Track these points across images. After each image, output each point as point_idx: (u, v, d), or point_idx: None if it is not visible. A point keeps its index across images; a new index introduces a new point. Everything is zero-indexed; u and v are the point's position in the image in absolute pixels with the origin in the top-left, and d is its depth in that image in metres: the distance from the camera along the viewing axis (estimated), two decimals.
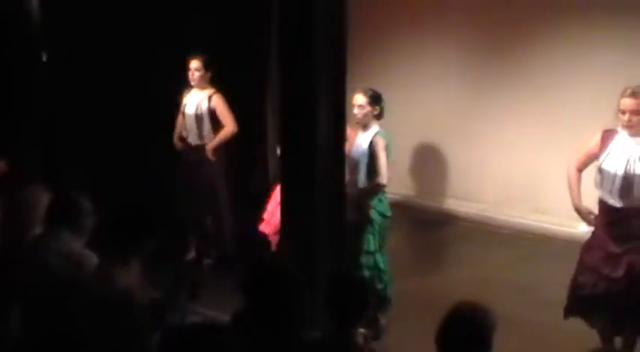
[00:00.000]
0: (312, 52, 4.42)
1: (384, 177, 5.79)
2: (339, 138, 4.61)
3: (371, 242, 5.80)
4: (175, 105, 7.02)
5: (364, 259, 5.78)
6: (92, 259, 4.30)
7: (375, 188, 5.83)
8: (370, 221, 5.81)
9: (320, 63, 4.41)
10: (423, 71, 8.76)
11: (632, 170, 4.95)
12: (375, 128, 5.86)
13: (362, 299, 3.73)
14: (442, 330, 3.32)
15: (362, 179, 5.85)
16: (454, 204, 8.64)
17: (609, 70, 7.27)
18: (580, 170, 5.30)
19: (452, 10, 8.46)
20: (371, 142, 5.80)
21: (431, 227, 8.37)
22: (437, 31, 8.61)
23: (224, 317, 3.77)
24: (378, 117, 5.89)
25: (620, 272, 5.05)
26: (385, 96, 5.93)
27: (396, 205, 7.27)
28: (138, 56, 7.10)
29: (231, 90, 6.94)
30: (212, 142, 6.87)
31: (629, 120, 4.95)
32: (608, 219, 5.12)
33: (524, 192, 8.17)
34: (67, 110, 7.33)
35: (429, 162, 8.87)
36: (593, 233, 5.26)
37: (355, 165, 5.85)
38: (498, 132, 8.33)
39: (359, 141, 5.83)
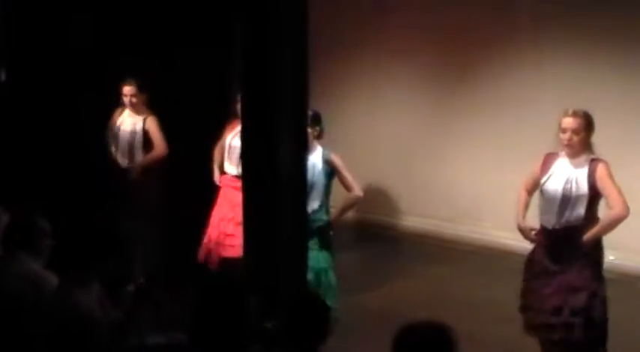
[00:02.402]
0: (274, 78, 4.44)
1: (359, 189, 5.83)
2: (300, 161, 4.62)
3: (329, 259, 5.79)
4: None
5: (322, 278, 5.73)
6: (52, 280, 4.27)
7: (354, 202, 5.88)
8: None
9: (282, 89, 4.43)
10: (384, 94, 8.85)
11: (570, 191, 5.02)
12: (319, 148, 5.80)
13: (325, 318, 3.77)
14: (400, 349, 3.30)
15: (317, 201, 5.73)
16: (414, 221, 8.70)
17: (565, 89, 7.42)
18: (529, 192, 5.38)
19: (412, 35, 8.57)
20: (327, 161, 5.75)
21: (390, 244, 8.41)
22: (397, 57, 8.73)
23: (185, 337, 3.76)
24: (319, 137, 5.84)
25: (551, 290, 5.11)
26: (346, 118, 5.95)
27: (352, 222, 7.33)
28: (96, 78, 7.09)
29: (188, 115, 6.96)
30: (141, 161, 6.80)
31: (570, 139, 5.02)
32: (546, 241, 5.20)
33: (483, 208, 8.25)
34: (25, 130, 7.28)
35: (388, 179, 8.93)
36: (534, 250, 5.34)
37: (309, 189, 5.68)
38: (460, 151, 8.43)
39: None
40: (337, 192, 5.94)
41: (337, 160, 5.79)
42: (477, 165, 8.27)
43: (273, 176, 4.50)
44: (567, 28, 7.59)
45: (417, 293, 6.89)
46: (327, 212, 5.87)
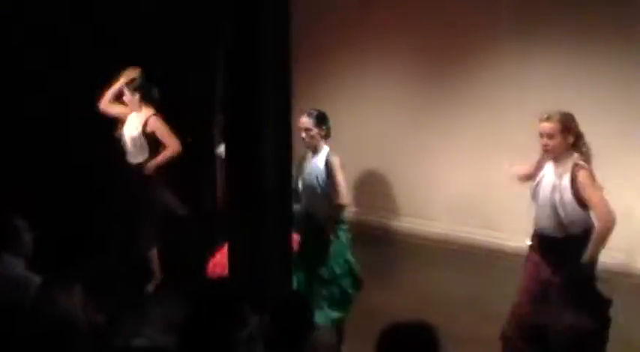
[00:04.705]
0: (257, 77, 4.45)
1: (345, 197, 5.59)
2: (285, 162, 4.63)
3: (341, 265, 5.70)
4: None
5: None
6: (37, 281, 4.25)
7: (337, 210, 5.60)
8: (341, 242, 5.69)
9: (265, 88, 4.44)
10: (368, 93, 8.82)
11: (556, 201, 5.02)
12: (325, 148, 5.65)
13: (308, 319, 3.78)
14: (384, 349, 3.29)
15: (326, 204, 5.63)
16: (402, 220, 8.71)
17: (550, 86, 7.43)
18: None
19: (395, 33, 8.56)
20: (326, 162, 5.60)
21: (378, 244, 8.39)
22: (380, 56, 8.69)
23: (171, 340, 3.76)
24: (326, 137, 5.67)
25: (549, 298, 5.11)
26: (331, 118, 5.84)
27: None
28: (81, 78, 7.07)
29: (177, 112, 6.95)
30: (153, 161, 6.69)
31: (547, 144, 5.06)
32: (540, 247, 5.19)
33: (471, 208, 8.25)
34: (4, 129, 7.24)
35: (377, 179, 8.93)
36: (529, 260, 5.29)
37: (314, 191, 5.63)
38: (445, 149, 8.40)
39: (313, 165, 5.63)
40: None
41: (335, 162, 5.61)
42: (463, 164, 8.24)
43: (258, 176, 4.52)
44: (550, 24, 7.59)
45: (402, 292, 6.89)
46: None
